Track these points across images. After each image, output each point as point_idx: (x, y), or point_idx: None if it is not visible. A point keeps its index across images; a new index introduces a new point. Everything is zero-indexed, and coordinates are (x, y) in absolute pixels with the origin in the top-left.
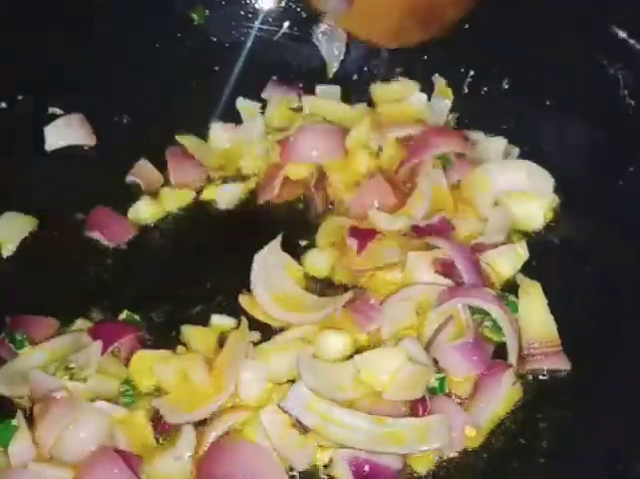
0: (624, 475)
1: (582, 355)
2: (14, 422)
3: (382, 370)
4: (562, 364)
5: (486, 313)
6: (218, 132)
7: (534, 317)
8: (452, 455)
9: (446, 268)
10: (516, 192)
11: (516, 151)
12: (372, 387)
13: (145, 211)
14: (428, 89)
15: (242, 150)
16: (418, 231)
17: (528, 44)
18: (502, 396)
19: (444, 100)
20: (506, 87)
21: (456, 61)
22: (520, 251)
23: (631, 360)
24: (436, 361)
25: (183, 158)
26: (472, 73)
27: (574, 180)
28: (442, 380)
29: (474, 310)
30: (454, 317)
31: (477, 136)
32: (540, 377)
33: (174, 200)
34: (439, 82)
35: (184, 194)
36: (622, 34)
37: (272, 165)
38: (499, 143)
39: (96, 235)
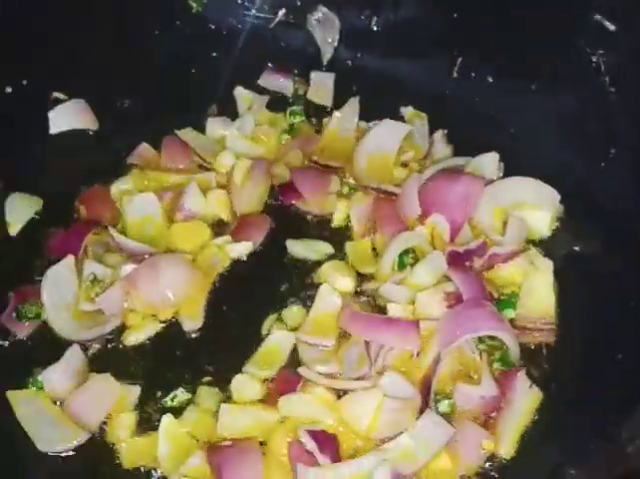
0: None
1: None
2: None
3: (362, 414)
4: (550, 339)
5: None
6: (214, 126)
7: (538, 294)
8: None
9: (460, 301)
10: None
11: (502, 165)
12: (357, 431)
13: (127, 184)
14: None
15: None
16: (454, 255)
17: (514, 31)
18: (522, 403)
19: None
20: (494, 73)
21: (446, 47)
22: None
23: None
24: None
25: (179, 147)
26: (460, 59)
27: (555, 160)
28: (453, 405)
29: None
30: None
31: (465, 159)
32: None
33: (158, 179)
34: (407, 112)
35: (169, 175)
36: (604, 22)
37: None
38: (493, 158)
39: (82, 210)
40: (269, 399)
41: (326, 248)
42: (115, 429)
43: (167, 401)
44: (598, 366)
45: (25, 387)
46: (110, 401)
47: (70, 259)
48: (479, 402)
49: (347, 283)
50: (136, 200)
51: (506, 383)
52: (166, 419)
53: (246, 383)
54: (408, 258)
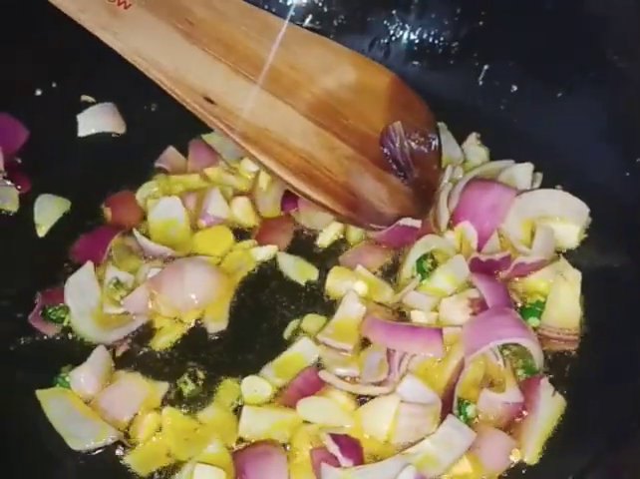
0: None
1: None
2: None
3: (381, 420)
4: (573, 347)
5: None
6: None
7: (563, 305)
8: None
9: (484, 308)
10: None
11: (540, 176)
12: (377, 437)
13: (152, 189)
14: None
15: None
16: (476, 263)
17: (540, 39)
18: (546, 410)
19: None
20: (519, 81)
21: (471, 55)
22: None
23: None
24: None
25: (205, 151)
26: (486, 67)
27: (580, 169)
28: (476, 410)
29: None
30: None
31: (504, 163)
32: None
33: (182, 184)
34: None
35: (193, 178)
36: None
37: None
38: (527, 168)
39: (107, 213)
40: (288, 400)
41: (310, 273)
42: (137, 429)
43: (180, 385)
44: (622, 375)
45: (53, 386)
46: (138, 399)
47: (89, 265)
48: (502, 409)
49: (360, 287)
50: (161, 203)
51: (530, 390)
52: (167, 409)
53: (257, 384)
54: (426, 263)
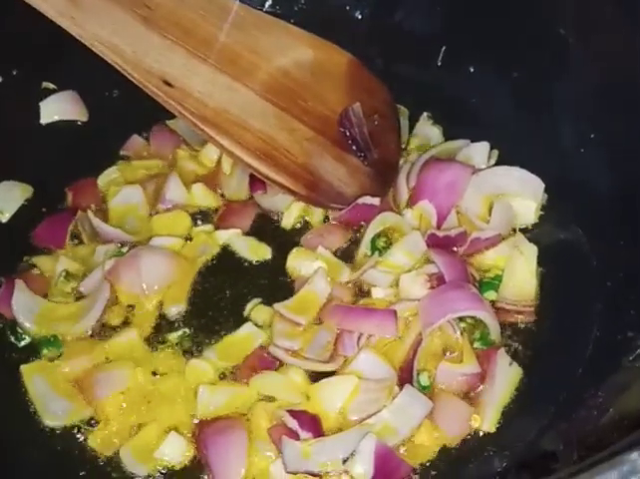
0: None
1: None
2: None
3: (335, 398)
4: (529, 318)
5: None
6: None
7: (520, 278)
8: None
9: (442, 283)
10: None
11: (496, 153)
12: (330, 413)
13: (114, 175)
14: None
15: None
16: (433, 239)
17: (498, 20)
18: (503, 380)
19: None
20: (476, 61)
21: (430, 36)
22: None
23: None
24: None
25: (167, 136)
26: (444, 49)
27: (537, 147)
28: (431, 378)
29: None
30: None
31: (461, 143)
32: None
33: (144, 169)
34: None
35: (155, 164)
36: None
37: None
38: (483, 147)
39: (69, 199)
40: (243, 378)
41: (264, 253)
42: (104, 408)
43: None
44: (575, 345)
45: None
46: (123, 385)
47: (20, 284)
48: (461, 380)
49: (318, 265)
50: (121, 192)
51: (487, 361)
52: None
53: (200, 367)
54: (380, 242)
